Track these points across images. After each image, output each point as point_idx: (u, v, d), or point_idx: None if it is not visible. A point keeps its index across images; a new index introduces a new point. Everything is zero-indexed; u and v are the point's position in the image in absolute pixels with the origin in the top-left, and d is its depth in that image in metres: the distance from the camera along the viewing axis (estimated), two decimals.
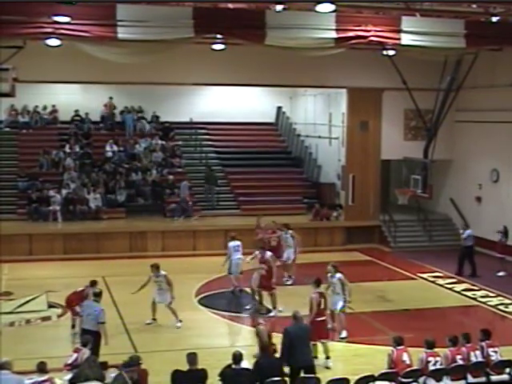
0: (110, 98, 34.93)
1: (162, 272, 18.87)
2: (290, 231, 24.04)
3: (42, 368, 11.87)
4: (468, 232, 25.60)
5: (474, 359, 13.57)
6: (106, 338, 15.10)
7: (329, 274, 18.07)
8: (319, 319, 15.99)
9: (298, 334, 13.80)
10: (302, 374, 13.29)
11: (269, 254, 20.63)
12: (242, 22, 21.70)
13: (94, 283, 17.54)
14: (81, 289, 17.73)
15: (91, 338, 13.86)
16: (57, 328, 18.98)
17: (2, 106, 32.59)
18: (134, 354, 12.98)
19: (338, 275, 17.92)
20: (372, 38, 22.52)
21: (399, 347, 13.38)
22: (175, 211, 30.61)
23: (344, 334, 17.94)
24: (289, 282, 23.16)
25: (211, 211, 31.52)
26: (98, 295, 15.85)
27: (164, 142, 34.39)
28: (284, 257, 23.76)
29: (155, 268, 18.85)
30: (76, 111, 34.79)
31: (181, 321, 18.91)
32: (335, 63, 27.22)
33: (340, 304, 17.62)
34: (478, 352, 13.70)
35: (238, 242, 22.16)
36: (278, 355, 13.67)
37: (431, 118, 29.48)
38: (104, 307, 15.97)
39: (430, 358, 13.30)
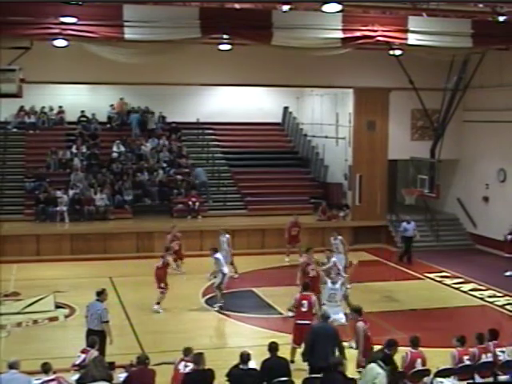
0: (121, 98, 35.08)
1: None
2: (340, 237, 24.00)
3: (46, 369, 11.88)
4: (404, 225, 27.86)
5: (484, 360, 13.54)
6: (111, 337, 15.08)
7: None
8: (301, 322, 15.87)
9: (320, 333, 13.73)
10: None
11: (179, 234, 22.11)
12: (249, 22, 21.75)
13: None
14: (160, 263, 20.50)
15: (98, 338, 13.84)
16: (64, 328, 19.01)
17: (10, 108, 32.68)
18: (142, 354, 13.00)
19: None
20: (379, 38, 22.54)
21: (414, 350, 13.25)
22: (207, 197, 31.99)
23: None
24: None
25: (219, 211, 31.64)
26: (100, 294, 15.71)
27: (168, 143, 34.40)
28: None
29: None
30: (82, 112, 34.84)
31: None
32: (342, 63, 27.20)
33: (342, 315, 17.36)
34: (489, 354, 13.57)
35: None
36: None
37: (438, 117, 29.46)
38: (111, 307, 15.97)
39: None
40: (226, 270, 20.88)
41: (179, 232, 24.99)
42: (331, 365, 11.87)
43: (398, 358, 13.00)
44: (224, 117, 35.54)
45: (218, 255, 20.91)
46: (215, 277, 20.92)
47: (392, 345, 12.61)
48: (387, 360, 11.86)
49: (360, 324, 14.41)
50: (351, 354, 16.67)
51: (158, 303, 20.36)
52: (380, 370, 11.45)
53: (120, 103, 35.26)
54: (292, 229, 26.95)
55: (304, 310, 15.97)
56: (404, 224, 27.72)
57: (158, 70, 26.67)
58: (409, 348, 13.32)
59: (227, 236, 23.98)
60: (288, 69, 27.98)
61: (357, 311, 14.84)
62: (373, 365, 11.66)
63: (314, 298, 16.37)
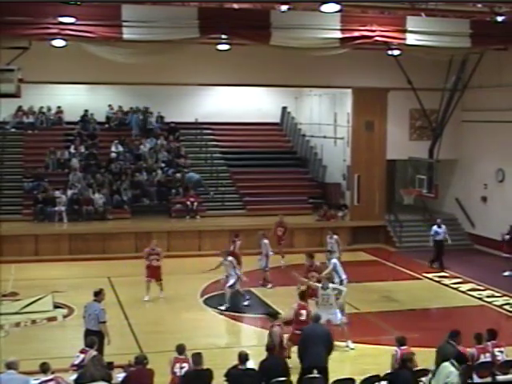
0: (120, 110, 35.24)
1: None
2: (335, 236, 23.92)
3: (44, 369, 11.85)
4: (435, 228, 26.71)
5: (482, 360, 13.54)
6: (108, 337, 15.06)
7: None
8: (299, 332, 15.36)
9: (310, 334, 13.76)
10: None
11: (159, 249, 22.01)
12: (247, 22, 21.77)
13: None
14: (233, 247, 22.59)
15: (97, 339, 13.82)
16: (62, 328, 19.02)
17: (9, 108, 32.66)
18: (140, 354, 13.00)
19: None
20: (377, 38, 22.55)
21: (403, 347, 13.32)
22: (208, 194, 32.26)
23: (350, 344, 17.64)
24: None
25: (217, 211, 31.65)
26: (97, 294, 15.63)
27: (166, 142, 34.38)
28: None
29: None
30: (86, 111, 34.74)
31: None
32: (340, 63, 27.20)
33: (339, 316, 17.06)
34: (488, 354, 13.59)
35: None
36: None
37: (437, 117, 29.48)
38: (109, 308, 15.94)
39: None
40: (238, 272, 21.12)
41: (159, 247, 22.72)
42: (401, 361, 12.05)
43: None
44: (222, 117, 35.52)
45: (231, 258, 21.09)
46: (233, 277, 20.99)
47: (455, 335, 12.90)
48: (460, 358, 11.89)
49: (276, 329, 14.51)
50: (350, 354, 16.82)
51: None
52: (452, 369, 11.49)
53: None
54: (277, 229, 26.69)
55: (302, 318, 15.90)
56: (435, 227, 26.61)
57: (157, 70, 26.67)
58: (395, 347, 13.36)
59: (265, 241, 23.57)
60: (286, 69, 28.00)
61: (273, 316, 15.24)
62: (446, 363, 11.67)
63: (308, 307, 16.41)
